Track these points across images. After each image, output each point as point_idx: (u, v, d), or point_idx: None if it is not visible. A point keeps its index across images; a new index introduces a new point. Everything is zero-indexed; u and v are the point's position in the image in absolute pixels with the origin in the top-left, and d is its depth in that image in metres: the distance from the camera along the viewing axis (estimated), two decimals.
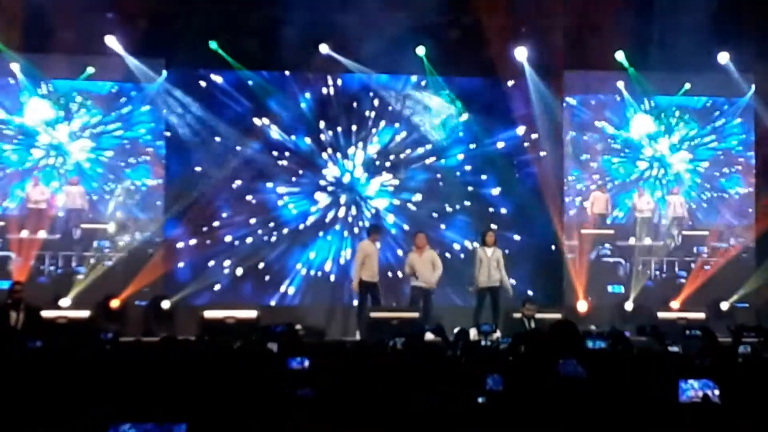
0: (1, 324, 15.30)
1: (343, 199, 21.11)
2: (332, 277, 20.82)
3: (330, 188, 21.08)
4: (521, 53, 20.65)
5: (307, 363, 9.07)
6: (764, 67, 20.52)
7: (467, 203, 21.14)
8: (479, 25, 19.92)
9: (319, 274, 20.87)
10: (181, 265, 20.36)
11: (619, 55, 20.76)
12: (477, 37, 20.01)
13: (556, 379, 7.35)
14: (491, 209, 21.12)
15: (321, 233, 20.98)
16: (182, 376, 7.77)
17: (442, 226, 20.92)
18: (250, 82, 20.53)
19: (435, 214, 21.01)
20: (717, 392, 7.07)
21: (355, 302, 18.71)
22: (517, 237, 20.67)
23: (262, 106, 20.64)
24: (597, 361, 8.04)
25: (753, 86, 21.33)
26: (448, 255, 19.84)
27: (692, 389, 7.08)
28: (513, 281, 18.77)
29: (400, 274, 19.77)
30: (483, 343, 13.68)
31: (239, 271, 20.50)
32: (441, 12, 19.86)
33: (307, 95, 20.87)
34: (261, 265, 20.60)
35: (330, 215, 21.06)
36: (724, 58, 20.76)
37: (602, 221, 21.40)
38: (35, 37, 19.15)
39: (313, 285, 20.78)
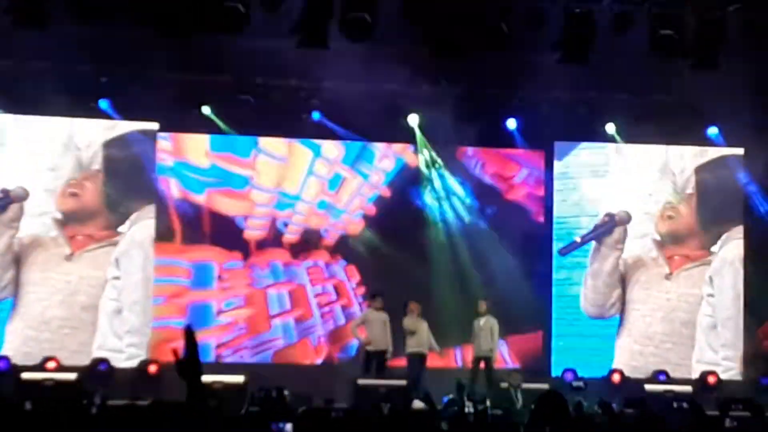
0: None
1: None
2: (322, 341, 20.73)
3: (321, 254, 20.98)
4: (511, 124, 20.80)
5: (289, 427, 9.06)
6: (754, 141, 20.64)
7: (452, 270, 21.05)
8: (472, 96, 20.06)
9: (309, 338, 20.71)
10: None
11: (610, 128, 20.89)
12: (470, 107, 20.11)
13: None
14: (476, 279, 20.96)
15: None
16: None
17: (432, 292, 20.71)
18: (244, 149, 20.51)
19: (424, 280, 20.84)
20: None
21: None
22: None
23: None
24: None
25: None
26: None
27: None
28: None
29: None
30: (470, 411, 13.67)
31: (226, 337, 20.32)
32: (432, 82, 19.93)
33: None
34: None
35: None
36: (713, 131, 20.98)
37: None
38: (26, 99, 19.17)
39: (299, 347, 20.61)
